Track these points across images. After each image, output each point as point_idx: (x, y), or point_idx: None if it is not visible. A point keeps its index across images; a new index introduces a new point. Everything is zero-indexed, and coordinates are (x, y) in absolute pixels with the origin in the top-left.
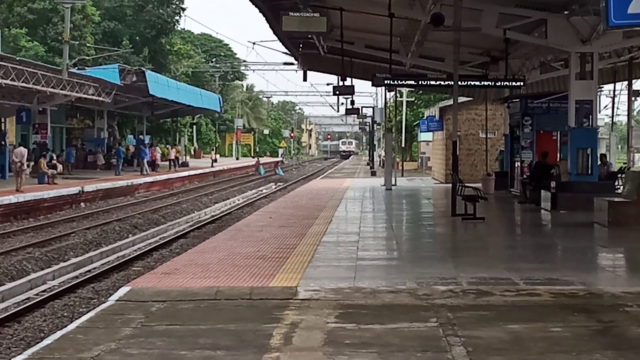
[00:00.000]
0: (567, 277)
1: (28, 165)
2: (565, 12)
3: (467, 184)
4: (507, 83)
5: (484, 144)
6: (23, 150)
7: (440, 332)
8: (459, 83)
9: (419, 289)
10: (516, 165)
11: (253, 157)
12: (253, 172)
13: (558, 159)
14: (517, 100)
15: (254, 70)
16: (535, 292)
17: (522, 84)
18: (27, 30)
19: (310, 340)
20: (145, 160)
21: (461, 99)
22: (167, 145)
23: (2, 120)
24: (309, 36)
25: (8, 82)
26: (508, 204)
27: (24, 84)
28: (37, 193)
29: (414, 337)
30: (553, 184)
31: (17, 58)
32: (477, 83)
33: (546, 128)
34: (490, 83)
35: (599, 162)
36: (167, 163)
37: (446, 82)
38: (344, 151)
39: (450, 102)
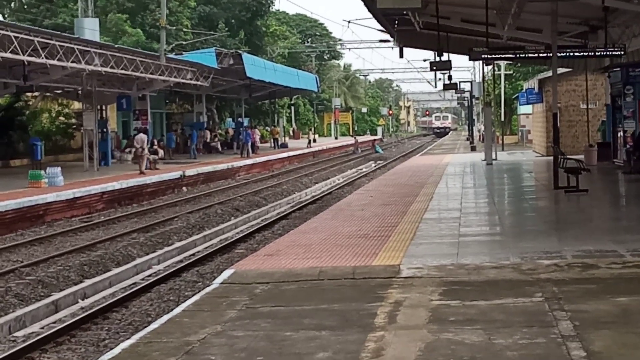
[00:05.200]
0: None
1: (130, 152)
2: None
3: (569, 156)
4: (607, 52)
5: (585, 115)
6: (143, 136)
7: (546, 306)
8: (558, 54)
9: (523, 263)
10: (619, 135)
11: (352, 136)
12: (352, 150)
13: None
14: (618, 69)
15: (350, 49)
16: None
17: (622, 52)
18: (126, 16)
19: (414, 318)
20: (249, 144)
21: (560, 70)
22: (266, 127)
23: (103, 107)
24: (404, 12)
25: (108, 69)
26: (611, 175)
27: (123, 71)
28: (139, 179)
29: (519, 312)
30: None
31: (116, 45)
32: (577, 53)
33: None
34: (589, 53)
35: None
36: (267, 145)
37: (545, 54)
38: (439, 127)
39: (549, 73)
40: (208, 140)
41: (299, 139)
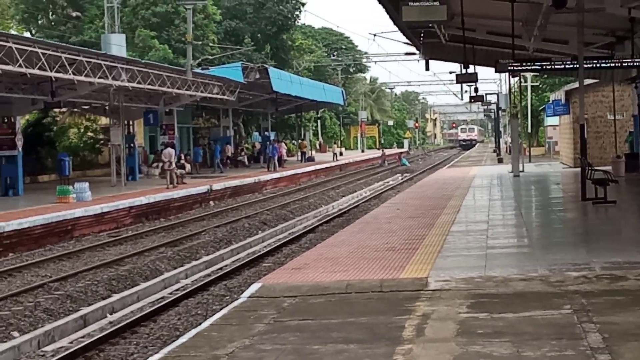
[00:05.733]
0: None
1: (158, 166)
2: None
3: (596, 167)
4: (634, 63)
5: (613, 125)
6: (171, 150)
7: (574, 319)
8: (585, 65)
9: (551, 275)
10: None
11: (378, 149)
12: (379, 163)
13: None
14: None
15: (375, 62)
16: None
17: None
18: (154, 32)
19: (442, 331)
20: (275, 158)
21: (587, 81)
22: (293, 141)
23: (130, 122)
24: (430, 25)
25: (135, 84)
26: (639, 186)
27: (150, 86)
28: (167, 193)
29: (548, 324)
30: None
31: (143, 61)
32: (603, 64)
33: None
34: (616, 64)
35: None
36: (294, 158)
37: (571, 65)
38: (464, 140)
39: (576, 85)
40: (229, 154)
41: (325, 152)
